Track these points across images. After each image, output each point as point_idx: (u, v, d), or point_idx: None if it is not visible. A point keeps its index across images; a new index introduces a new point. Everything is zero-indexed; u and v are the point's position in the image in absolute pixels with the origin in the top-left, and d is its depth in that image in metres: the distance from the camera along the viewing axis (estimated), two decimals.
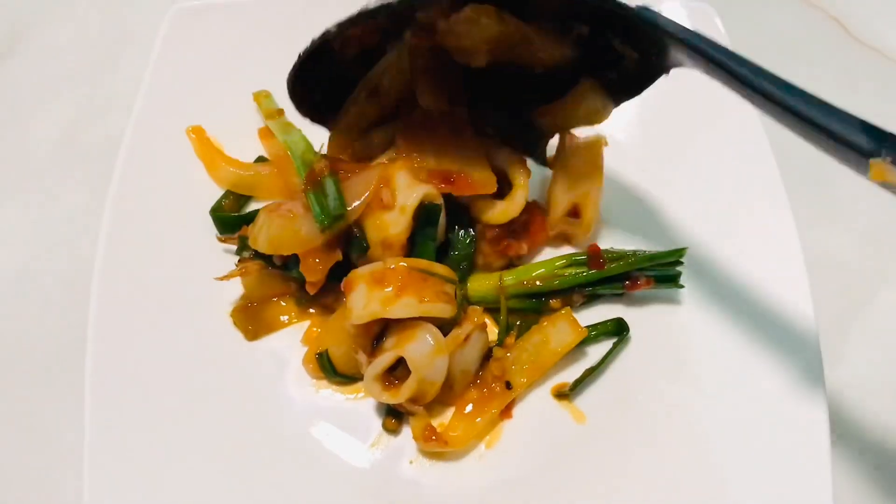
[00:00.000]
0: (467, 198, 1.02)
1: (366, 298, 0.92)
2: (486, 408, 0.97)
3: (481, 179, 1.00)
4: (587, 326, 1.01)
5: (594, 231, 1.10)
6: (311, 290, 0.98)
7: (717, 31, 1.16)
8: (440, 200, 0.99)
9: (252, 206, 1.14)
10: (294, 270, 0.99)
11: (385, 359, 0.92)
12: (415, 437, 0.95)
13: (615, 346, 1.01)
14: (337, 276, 0.98)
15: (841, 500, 0.94)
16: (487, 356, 0.99)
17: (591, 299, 1.05)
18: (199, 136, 1.13)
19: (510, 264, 1.07)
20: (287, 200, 1.04)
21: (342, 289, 0.96)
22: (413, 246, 0.99)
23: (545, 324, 1.00)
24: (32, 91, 1.36)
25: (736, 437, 0.93)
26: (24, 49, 1.42)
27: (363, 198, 0.96)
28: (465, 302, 1.01)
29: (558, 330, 0.99)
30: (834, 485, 0.88)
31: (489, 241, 1.05)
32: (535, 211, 1.10)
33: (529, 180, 1.04)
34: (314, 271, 0.96)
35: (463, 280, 1.04)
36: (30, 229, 1.21)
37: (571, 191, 1.07)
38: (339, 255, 0.97)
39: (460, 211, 1.05)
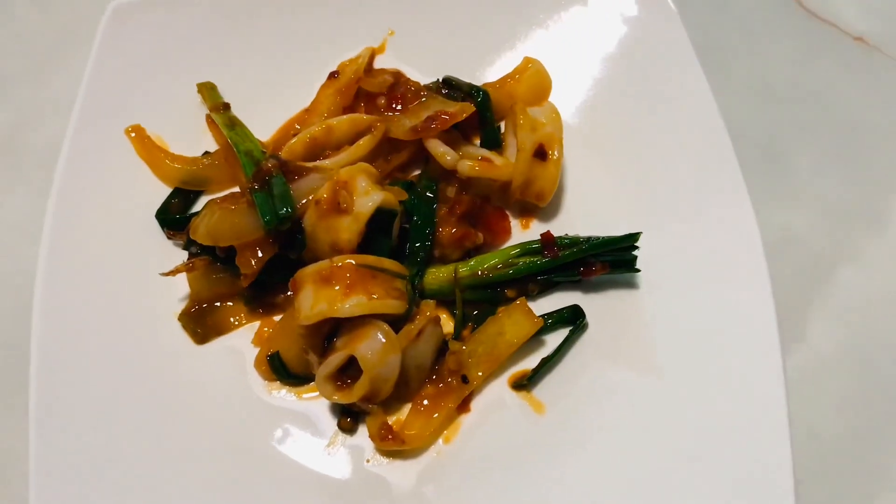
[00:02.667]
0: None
1: (313, 298, 0.90)
2: (442, 403, 0.95)
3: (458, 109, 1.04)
4: (543, 315, 1.00)
5: (550, 208, 1.09)
6: (245, 283, 0.96)
7: (667, 8, 1.14)
8: (397, 206, 0.98)
9: (205, 201, 1.10)
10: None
11: (335, 359, 0.91)
12: (371, 437, 0.93)
13: (571, 333, 0.99)
14: (285, 274, 0.96)
15: (801, 480, 0.94)
16: (443, 350, 0.98)
17: (548, 287, 1.04)
18: (139, 136, 1.09)
19: (466, 256, 1.05)
20: (236, 193, 1.03)
21: (290, 288, 0.94)
22: (365, 250, 0.97)
23: (500, 315, 0.98)
24: None
25: (695, 420, 0.92)
26: None
27: (308, 199, 0.95)
28: (417, 296, 0.99)
29: (514, 321, 0.98)
30: (794, 464, 0.87)
31: (447, 229, 1.03)
32: (492, 207, 1.10)
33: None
34: (249, 264, 0.94)
35: (419, 273, 1.02)
36: None
37: (535, 132, 1.05)
38: (275, 249, 0.95)
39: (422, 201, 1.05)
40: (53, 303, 0.97)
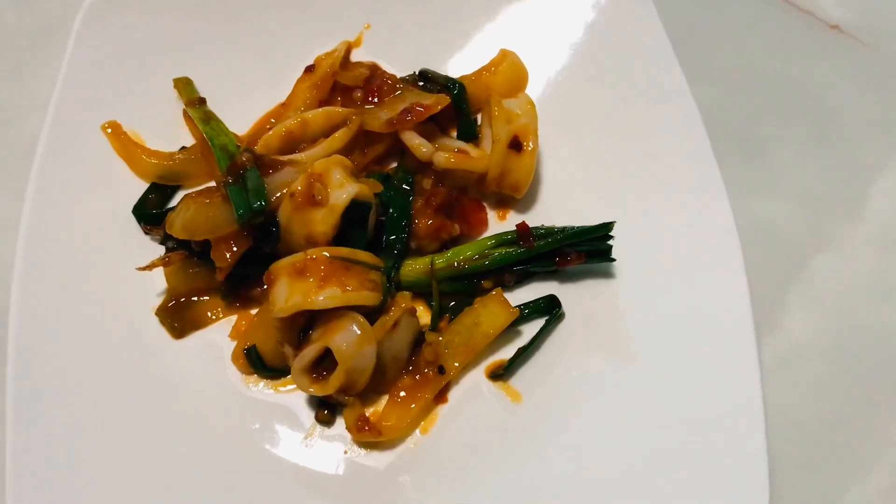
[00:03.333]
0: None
1: (288, 291, 0.91)
2: (419, 394, 0.96)
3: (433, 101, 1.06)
4: (519, 305, 1.00)
5: (526, 199, 1.10)
6: (220, 277, 0.97)
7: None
8: (372, 199, 0.98)
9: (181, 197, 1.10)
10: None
11: (310, 351, 0.91)
12: (348, 428, 0.94)
13: (547, 323, 1.00)
14: (261, 268, 0.97)
15: (776, 464, 0.95)
16: (420, 341, 0.98)
17: (524, 278, 1.04)
18: (115, 132, 1.10)
19: (443, 248, 1.06)
20: (212, 187, 1.03)
21: (264, 281, 0.94)
22: (341, 242, 0.97)
23: (476, 306, 0.99)
24: None
25: (670, 409, 0.92)
26: None
27: (282, 192, 0.95)
28: (393, 288, 0.99)
29: (490, 311, 0.98)
30: (769, 452, 0.88)
31: (423, 221, 1.04)
32: (468, 199, 1.11)
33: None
34: (223, 258, 0.95)
35: (396, 265, 1.02)
36: None
37: (510, 123, 1.06)
38: (249, 243, 0.95)
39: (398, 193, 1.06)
40: (30, 298, 0.97)
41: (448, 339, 0.97)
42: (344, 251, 0.94)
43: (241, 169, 0.96)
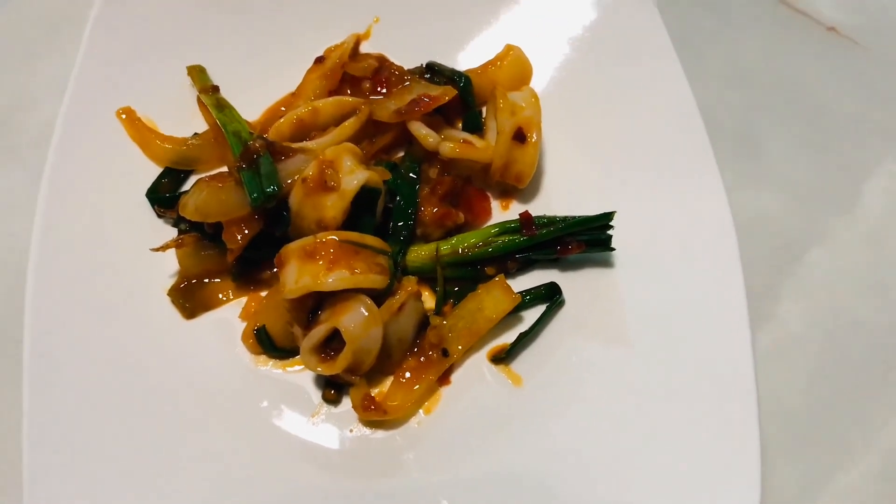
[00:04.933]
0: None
1: (297, 272, 0.93)
2: (423, 375, 0.98)
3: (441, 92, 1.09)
4: (521, 292, 1.03)
5: (529, 190, 1.13)
6: (230, 258, 0.99)
7: None
8: (381, 185, 1.01)
9: (193, 181, 1.12)
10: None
11: (319, 331, 0.94)
12: (354, 407, 0.97)
13: (548, 309, 1.02)
14: (271, 251, 0.99)
15: (768, 453, 0.98)
16: (424, 325, 1.01)
17: (526, 265, 1.07)
18: (129, 118, 1.12)
19: (448, 235, 1.09)
20: (224, 172, 1.06)
21: (275, 264, 0.97)
22: (350, 227, 1.00)
23: (480, 291, 1.02)
24: None
25: (665, 394, 0.95)
26: None
27: (295, 178, 0.98)
28: (400, 273, 1.02)
29: (492, 297, 1.01)
30: (761, 438, 0.90)
31: (429, 209, 1.07)
32: (473, 188, 1.13)
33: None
34: (235, 239, 0.98)
35: (402, 251, 1.05)
36: None
37: (514, 115, 1.08)
38: (260, 226, 0.98)
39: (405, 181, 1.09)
40: (46, 278, 0.99)
41: (452, 323, 1.00)
42: (353, 235, 0.96)
43: (254, 155, 0.99)
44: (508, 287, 1.01)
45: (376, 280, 0.95)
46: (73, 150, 1.08)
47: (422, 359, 0.99)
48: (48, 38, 1.36)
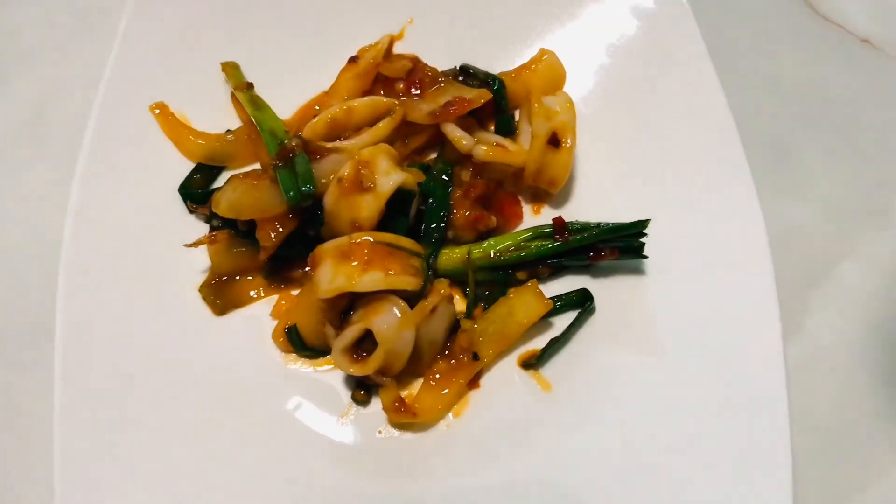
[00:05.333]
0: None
1: (332, 273, 0.93)
2: (453, 378, 0.98)
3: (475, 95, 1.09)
4: (553, 297, 1.03)
5: (561, 195, 1.12)
6: (263, 256, 0.99)
7: (680, 4, 1.17)
8: (416, 187, 1.01)
9: (226, 178, 1.12)
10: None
11: (352, 331, 0.94)
12: (384, 408, 0.96)
13: (579, 316, 1.02)
14: (303, 250, 1.00)
15: (798, 464, 0.97)
16: (455, 328, 1.01)
17: (557, 271, 1.07)
18: (163, 113, 1.12)
19: (479, 238, 1.08)
20: (258, 169, 1.06)
21: (309, 264, 0.97)
22: (383, 228, 1.00)
23: (511, 296, 1.01)
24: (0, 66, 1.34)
25: (697, 403, 0.95)
26: None
27: (330, 178, 0.98)
28: (431, 275, 1.02)
29: (524, 302, 1.00)
30: (793, 454, 0.90)
31: (461, 212, 1.06)
32: (504, 192, 1.13)
33: None
34: (268, 237, 0.98)
35: (434, 253, 1.05)
36: None
37: (549, 120, 1.07)
38: (294, 224, 0.98)
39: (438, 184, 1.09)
40: (78, 272, 1.00)
41: (483, 327, 1.00)
42: (388, 237, 0.96)
43: (290, 153, 0.99)
44: (540, 292, 1.01)
45: (410, 282, 0.95)
46: (106, 144, 1.08)
47: (452, 362, 0.99)
48: (81, 30, 1.36)
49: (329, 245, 0.96)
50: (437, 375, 0.99)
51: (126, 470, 0.91)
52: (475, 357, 0.98)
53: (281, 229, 0.99)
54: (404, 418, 0.96)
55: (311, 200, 0.97)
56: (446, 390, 0.98)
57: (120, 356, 0.97)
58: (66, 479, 0.89)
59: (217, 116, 1.16)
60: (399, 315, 0.94)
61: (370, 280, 0.93)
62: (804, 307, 1.13)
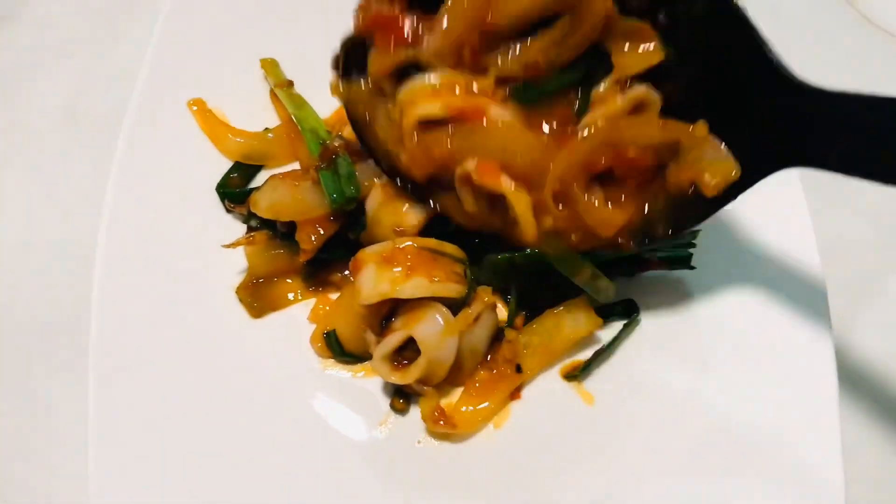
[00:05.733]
0: None
1: (375, 279, 0.91)
2: (495, 390, 0.96)
3: None
4: (597, 308, 1.00)
5: None
6: (303, 258, 0.97)
7: None
8: None
9: (263, 177, 1.10)
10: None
11: (394, 339, 0.91)
12: (423, 418, 0.94)
13: (625, 328, 1.00)
14: (343, 254, 0.98)
15: (853, 489, 0.94)
16: (496, 336, 0.98)
17: None
18: (200, 109, 1.11)
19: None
20: (298, 170, 1.05)
21: (350, 269, 0.95)
22: (426, 234, 0.97)
23: (561, 310, 0.99)
24: (34, 58, 1.32)
25: (745, 423, 0.92)
26: (27, 14, 1.38)
27: (373, 181, 0.96)
28: (474, 282, 1.00)
29: (574, 318, 0.98)
30: (846, 473, 0.87)
31: None
32: None
33: None
34: (308, 240, 0.96)
35: (476, 260, 1.02)
36: (31, 200, 1.19)
37: None
38: (336, 227, 0.96)
39: None
40: (114, 270, 0.98)
41: (528, 339, 0.97)
42: (432, 242, 0.94)
43: (332, 154, 0.97)
44: (591, 309, 0.98)
45: (455, 290, 0.92)
46: (142, 141, 1.06)
47: (494, 372, 0.97)
48: (118, 21, 1.34)
49: (371, 250, 0.93)
50: (479, 385, 0.96)
51: (159, 470, 0.89)
52: (518, 369, 0.96)
53: (322, 232, 0.96)
54: (444, 429, 0.93)
55: (354, 204, 0.95)
56: (487, 402, 0.95)
57: (155, 356, 0.95)
58: (100, 480, 0.87)
59: (256, 114, 1.14)
60: (442, 323, 0.91)
61: (414, 287, 0.90)
62: (851, 323, 1.10)
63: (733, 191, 0.84)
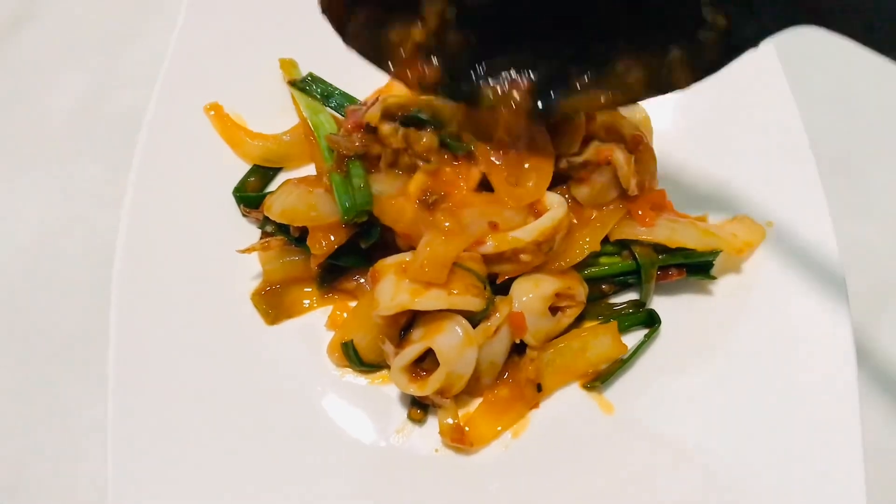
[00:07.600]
0: None
1: (394, 289, 0.90)
2: (514, 407, 0.96)
3: None
4: (617, 318, 1.00)
5: None
6: (313, 264, 0.97)
7: None
8: None
9: (282, 180, 1.09)
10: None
11: (413, 350, 0.91)
12: (440, 433, 0.94)
13: (646, 338, 0.99)
14: (358, 261, 0.98)
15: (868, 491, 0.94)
16: (515, 349, 0.98)
17: (622, 288, 1.04)
18: (217, 114, 1.10)
19: None
20: (313, 175, 1.04)
21: (368, 278, 0.94)
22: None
23: (587, 333, 0.98)
24: (50, 59, 1.32)
25: (766, 434, 0.91)
26: (43, 14, 1.38)
27: (389, 193, 0.95)
28: (492, 297, 0.99)
29: (600, 342, 0.97)
30: (867, 482, 0.86)
31: None
32: None
33: None
34: (319, 245, 0.95)
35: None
36: (47, 202, 1.19)
37: None
38: (347, 235, 0.95)
39: None
40: (132, 274, 0.98)
41: (551, 358, 0.97)
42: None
43: (346, 159, 0.96)
44: (618, 336, 0.97)
45: (473, 303, 0.91)
46: (160, 145, 1.06)
47: (514, 390, 0.96)
48: (135, 23, 1.34)
49: (390, 260, 0.93)
50: (498, 402, 0.96)
51: (176, 474, 0.89)
52: (539, 388, 0.95)
53: (333, 238, 0.96)
54: (460, 448, 0.93)
55: (366, 217, 0.94)
56: (506, 419, 0.95)
57: (172, 361, 0.95)
58: (119, 485, 0.87)
59: (273, 117, 1.13)
60: (461, 335, 0.91)
61: (433, 298, 0.90)
62: (872, 332, 1.09)
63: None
